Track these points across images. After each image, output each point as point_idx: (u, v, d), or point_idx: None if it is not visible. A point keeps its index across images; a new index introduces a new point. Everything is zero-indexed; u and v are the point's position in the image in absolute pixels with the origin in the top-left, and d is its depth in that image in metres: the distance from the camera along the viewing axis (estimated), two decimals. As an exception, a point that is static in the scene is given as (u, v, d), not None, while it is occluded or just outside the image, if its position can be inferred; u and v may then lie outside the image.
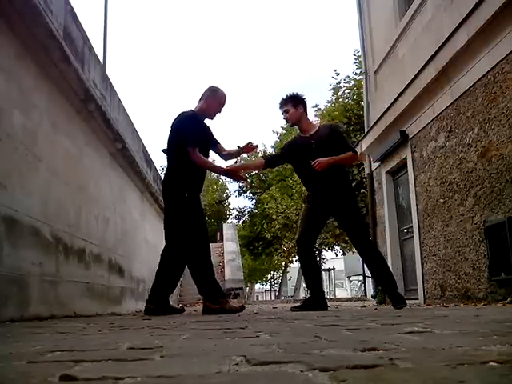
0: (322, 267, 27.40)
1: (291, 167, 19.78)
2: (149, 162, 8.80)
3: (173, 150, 4.07)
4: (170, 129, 4.13)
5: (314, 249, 4.39)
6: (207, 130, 4.23)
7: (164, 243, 4.16)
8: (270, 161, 4.55)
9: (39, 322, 3.17)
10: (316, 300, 4.12)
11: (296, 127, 4.49)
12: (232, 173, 4.24)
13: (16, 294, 3.21)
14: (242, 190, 29.13)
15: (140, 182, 7.93)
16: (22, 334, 2.01)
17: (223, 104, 4.19)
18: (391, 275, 4.13)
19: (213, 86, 4.22)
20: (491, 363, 0.80)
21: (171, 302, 4.57)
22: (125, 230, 6.86)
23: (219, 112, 4.20)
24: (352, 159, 4.38)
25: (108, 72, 6.85)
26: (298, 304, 4.46)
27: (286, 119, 4.40)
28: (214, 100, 4.13)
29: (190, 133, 3.94)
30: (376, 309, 4.19)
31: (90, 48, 4.85)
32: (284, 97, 4.37)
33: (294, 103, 4.29)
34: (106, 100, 5.34)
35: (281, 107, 4.39)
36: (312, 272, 4.26)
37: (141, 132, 8.37)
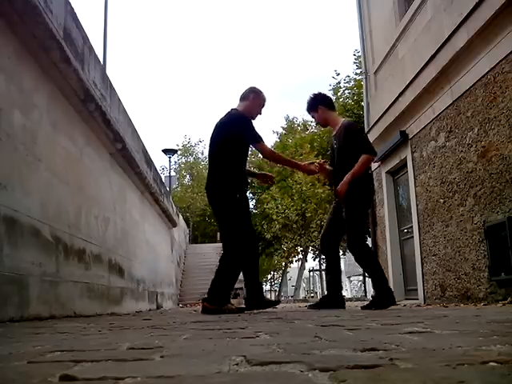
0: (322, 267, 27.42)
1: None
2: (149, 162, 8.80)
3: (223, 149, 4.05)
4: (218, 129, 4.17)
5: (336, 247, 4.31)
6: None
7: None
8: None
9: (39, 321, 3.17)
10: (332, 298, 4.11)
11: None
12: (306, 167, 4.30)
13: (16, 294, 3.21)
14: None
15: (140, 182, 7.93)
16: (22, 334, 2.01)
17: (264, 106, 4.34)
18: (379, 273, 4.08)
19: (255, 88, 4.34)
20: (491, 363, 0.80)
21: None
22: (125, 230, 6.86)
23: (260, 114, 4.33)
24: (366, 163, 4.09)
25: (108, 72, 6.86)
26: (314, 303, 4.45)
27: (318, 124, 4.49)
28: (257, 101, 4.25)
29: (252, 131, 4.06)
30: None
31: (90, 48, 4.85)
32: (306, 103, 4.39)
33: (314, 108, 4.31)
34: (105, 100, 5.34)
35: (309, 114, 4.50)
36: (330, 270, 4.23)
37: (141, 132, 8.37)
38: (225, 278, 3.99)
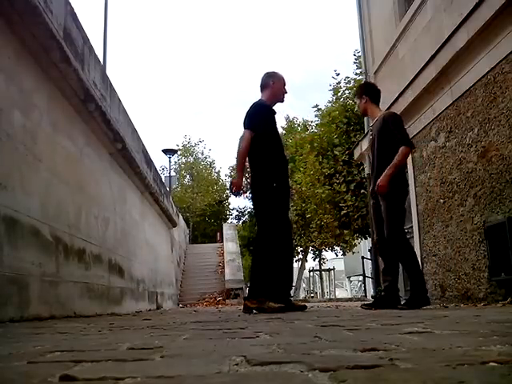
0: (322, 267, 27.39)
1: (290, 167, 19.59)
2: (149, 162, 8.80)
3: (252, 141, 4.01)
4: (243, 121, 4.16)
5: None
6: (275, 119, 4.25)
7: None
8: None
9: (39, 322, 3.16)
10: (390, 299, 3.96)
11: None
12: (236, 185, 4.10)
13: (16, 294, 3.21)
14: (242, 190, 29.01)
15: (140, 182, 7.93)
16: (22, 334, 2.01)
17: (285, 83, 4.31)
18: (418, 271, 3.99)
19: (269, 72, 4.32)
20: (491, 363, 0.80)
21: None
22: (125, 230, 6.86)
23: (286, 92, 4.30)
24: (406, 155, 4.05)
25: (108, 72, 6.86)
26: (368, 303, 4.31)
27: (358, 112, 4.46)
28: (278, 84, 4.24)
29: (252, 117, 4.03)
30: (376, 309, 4.18)
31: (90, 48, 4.85)
32: (357, 88, 4.47)
33: (359, 94, 4.33)
34: (105, 100, 5.34)
35: (354, 99, 4.54)
36: (390, 271, 4.08)
37: (141, 132, 8.37)
38: (260, 271, 3.85)
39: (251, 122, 3.99)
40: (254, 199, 4.12)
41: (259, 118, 4.02)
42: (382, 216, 4.11)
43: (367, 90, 4.34)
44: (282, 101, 4.29)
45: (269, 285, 3.84)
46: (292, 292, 27.78)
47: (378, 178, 4.05)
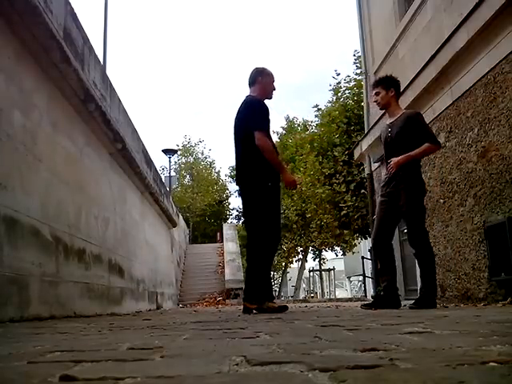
0: (322, 267, 27.41)
1: (291, 168, 19.46)
2: (149, 162, 8.80)
3: (249, 138, 3.90)
4: (238, 120, 4.11)
5: (391, 247, 4.20)
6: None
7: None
8: None
9: (39, 322, 3.17)
10: (390, 299, 4.02)
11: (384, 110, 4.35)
12: (289, 177, 4.07)
13: (16, 294, 3.21)
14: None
15: (140, 182, 7.93)
16: (22, 334, 2.01)
17: (274, 80, 4.26)
18: (433, 273, 4.06)
19: (258, 68, 4.25)
20: (491, 363, 0.80)
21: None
22: (125, 230, 6.86)
23: (274, 89, 4.25)
24: (428, 150, 4.01)
25: (108, 72, 6.86)
26: (368, 303, 4.35)
27: (375, 102, 4.30)
28: (266, 80, 4.19)
29: (258, 116, 3.93)
30: (376, 309, 4.18)
31: (90, 48, 4.85)
32: (378, 78, 4.33)
33: (385, 86, 4.16)
34: (105, 100, 5.34)
35: (373, 89, 4.31)
36: (387, 271, 4.11)
37: (141, 132, 8.36)
38: (257, 273, 3.85)
39: (261, 121, 3.93)
40: (246, 198, 4.02)
41: (264, 116, 3.97)
42: (387, 216, 4.10)
43: (395, 84, 4.21)
44: (271, 97, 4.23)
45: (265, 285, 3.88)
46: (292, 292, 27.66)
47: (393, 175, 4.02)
